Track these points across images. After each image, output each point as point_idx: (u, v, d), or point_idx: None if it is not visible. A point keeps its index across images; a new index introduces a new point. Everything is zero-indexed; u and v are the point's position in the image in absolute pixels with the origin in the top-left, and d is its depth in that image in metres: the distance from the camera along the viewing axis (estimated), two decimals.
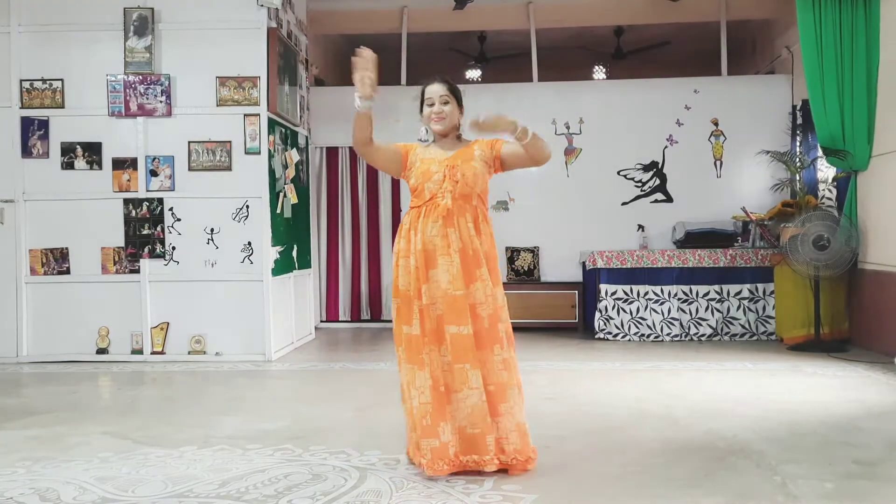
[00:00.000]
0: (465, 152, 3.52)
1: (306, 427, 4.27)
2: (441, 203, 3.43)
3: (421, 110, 3.58)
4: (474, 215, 3.47)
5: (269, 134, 6.62)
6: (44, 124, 6.60)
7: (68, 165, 6.62)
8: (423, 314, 3.38)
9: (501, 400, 3.38)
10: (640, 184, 8.58)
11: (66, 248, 6.63)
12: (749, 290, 7.46)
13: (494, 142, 3.53)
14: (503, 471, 3.37)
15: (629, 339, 7.49)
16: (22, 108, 6.59)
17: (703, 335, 7.46)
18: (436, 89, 3.51)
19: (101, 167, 6.61)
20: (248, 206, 6.58)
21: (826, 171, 7.50)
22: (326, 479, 3.32)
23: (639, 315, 7.55)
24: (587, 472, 3.42)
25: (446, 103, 3.49)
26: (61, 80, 6.60)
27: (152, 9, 6.54)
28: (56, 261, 6.63)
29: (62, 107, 6.61)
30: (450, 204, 3.42)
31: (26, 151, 6.60)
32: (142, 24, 6.53)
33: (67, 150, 6.61)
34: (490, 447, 3.32)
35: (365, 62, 3.34)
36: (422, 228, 3.43)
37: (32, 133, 6.59)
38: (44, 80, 6.60)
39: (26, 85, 6.59)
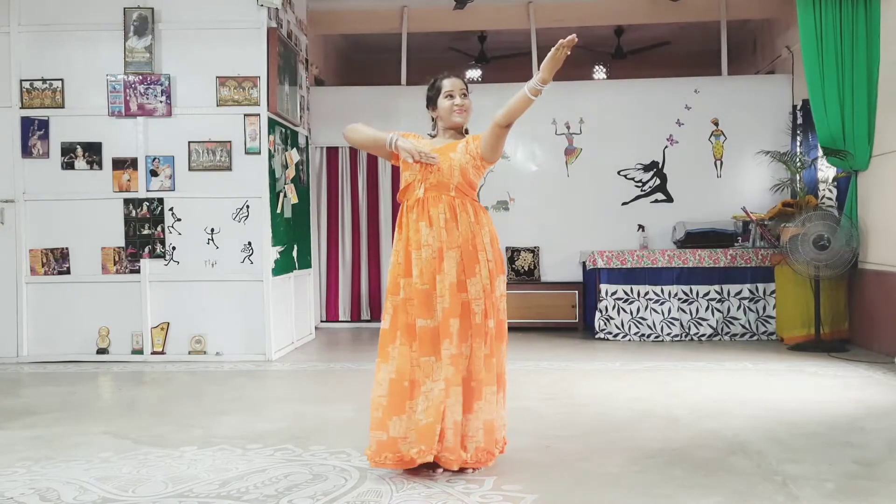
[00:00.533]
0: (453, 145, 3.50)
1: (306, 427, 4.27)
2: (413, 194, 3.45)
3: (430, 104, 3.57)
4: (451, 205, 3.42)
5: (269, 134, 6.62)
6: (44, 124, 6.60)
7: (68, 165, 6.62)
8: (397, 309, 3.40)
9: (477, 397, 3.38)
10: (640, 184, 8.58)
11: (67, 248, 6.63)
12: (749, 290, 7.46)
13: (476, 136, 3.50)
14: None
15: (629, 339, 7.49)
16: (22, 108, 6.59)
17: (703, 335, 7.46)
18: (456, 83, 3.50)
19: (101, 167, 6.61)
20: (248, 206, 6.59)
21: (826, 170, 7.50)
22: (327, 479, 3.33)
23: (639, 315, 7.55)
24: (587, 472, 3.43)
25: (465, 96, 3.50)
26: (61, 80, 6.60)
27: (152, 9, 6.54)
28: (56, 261, 6.63)
29: (62, 107, 6.61)
30: (421, 194, 3.43)
31: (26, 151, 6.60)
32: (142, 24, 6.53)
33: (67, 150, 6.61)
34: (435, 438, 3.26)
35: (431, 160, 3.39)
36: (406, 223, 3.46)
37: (32, 133, 6.60)
38: (44, 80, 6.60)
39: (26, 85, 6.59)
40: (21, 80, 6.59)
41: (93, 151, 6.61)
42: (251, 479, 3.32)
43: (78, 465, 3.57)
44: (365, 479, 3.31)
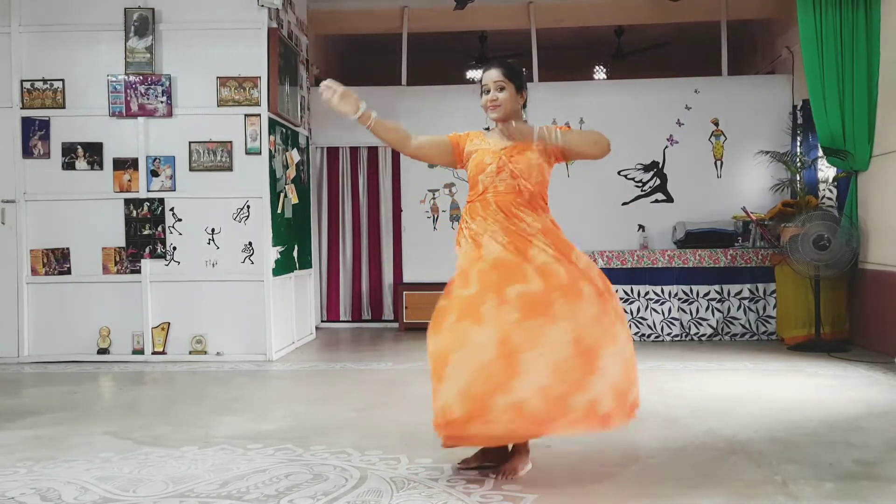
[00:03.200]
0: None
1: (307, 427, 4.27)
2: (490, 197, 3.37)
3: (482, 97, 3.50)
4: (531, 208, 3.37)
5: (269, 134, 6.62)
6: (45, 124, 6.60)
7: (69, 166, 6.62)
8: None
9: None
10: (640, 184, 8.57)
11: (67, 249, 6.63)
12: (749, 290, 7.45)
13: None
14: None
15: None
16: (23, 108, 6.59)
17: (703, 335, 7.46)
18: (491, 75, 3.39)
19: (101, 167, 6.61)
20: (248, 207, 6.58)
21: (826, 171, 7.49)
22: (327, 479, 3.32)
23: (639, 315, 7.55)
24: (587, 472, 3.43)
25: (502, 89, 3.37)
26: (62, 80, 6.60)
27: (153, 9, 6.53)
28: (57, 261, 6.63)
29: (63, 107, 6.60)
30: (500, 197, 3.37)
31: (27, 152, 6.60)
32: (142, 25, 6.53)
33: (68, 150, 6.61)
34: None
35: (329, 91, 3.39)
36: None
37: (33, 133, 6.60)
38: (44, 81, 6.60)
39: (27, 85, 6.59)
40: (22, 81, 6.59)
41: (93, 152, 6.61)
42: (252, 479, 3.32)
43: (79, 465, 3.56)
44: (365, 479, 3.31)
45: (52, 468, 3.53)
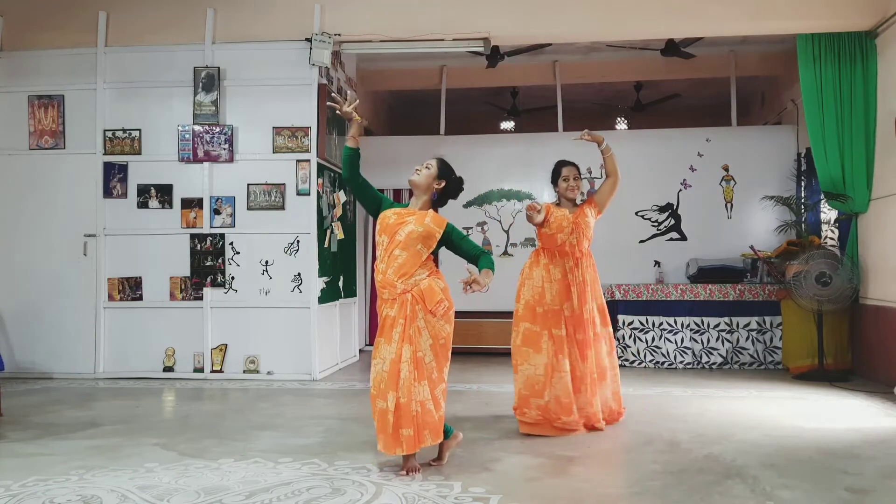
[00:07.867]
0: (580, 212, 4.69)
1: (336, 443, 4.16)
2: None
3: (553, 181, 4.73)
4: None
5: (318, 177, 6.61)
6: (123, 168, 6.70)
7: (143, 205, 6.69)
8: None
9: None
10: (656, 223, 8.36)
11: (140, 278, 6.68)
12: (757, 323, 7.16)
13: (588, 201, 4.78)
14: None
15: (645, 367, 7.24)
16: (105, 154, 6.70)
17: (714, 363, 7.17)
18: (572, 170, 4.58)
19: (171, 206, 6.66)
20: (298, 241, 6.56)
21: (828, 213, 7.21)
22: (345, 492, 3.20)
23: (654, 344, 7.30)
24: (588, 492, 3.24)
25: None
26: (139, 129, 6.70)
27: (218, 68, 6.61)
28: (130, 288, 6.67)
29: (139, 153, 6.70)
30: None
31: (107, 192, 6.69)
32: (209, 82, 6.61)
33: (143, 191, 6.69)
34: None
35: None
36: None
37: (113, 176, 6.69)
38: (124, 130, 6.71)
39: (109, 134, 6.70)
40: (104, 130, 6.71)
41: (164, 192, 6.67)
42: (276, 492, 3.21)
43: (124, 474, 3.50)
44: (380, 494, 3.18)
45: (101, 476, 3.47)
